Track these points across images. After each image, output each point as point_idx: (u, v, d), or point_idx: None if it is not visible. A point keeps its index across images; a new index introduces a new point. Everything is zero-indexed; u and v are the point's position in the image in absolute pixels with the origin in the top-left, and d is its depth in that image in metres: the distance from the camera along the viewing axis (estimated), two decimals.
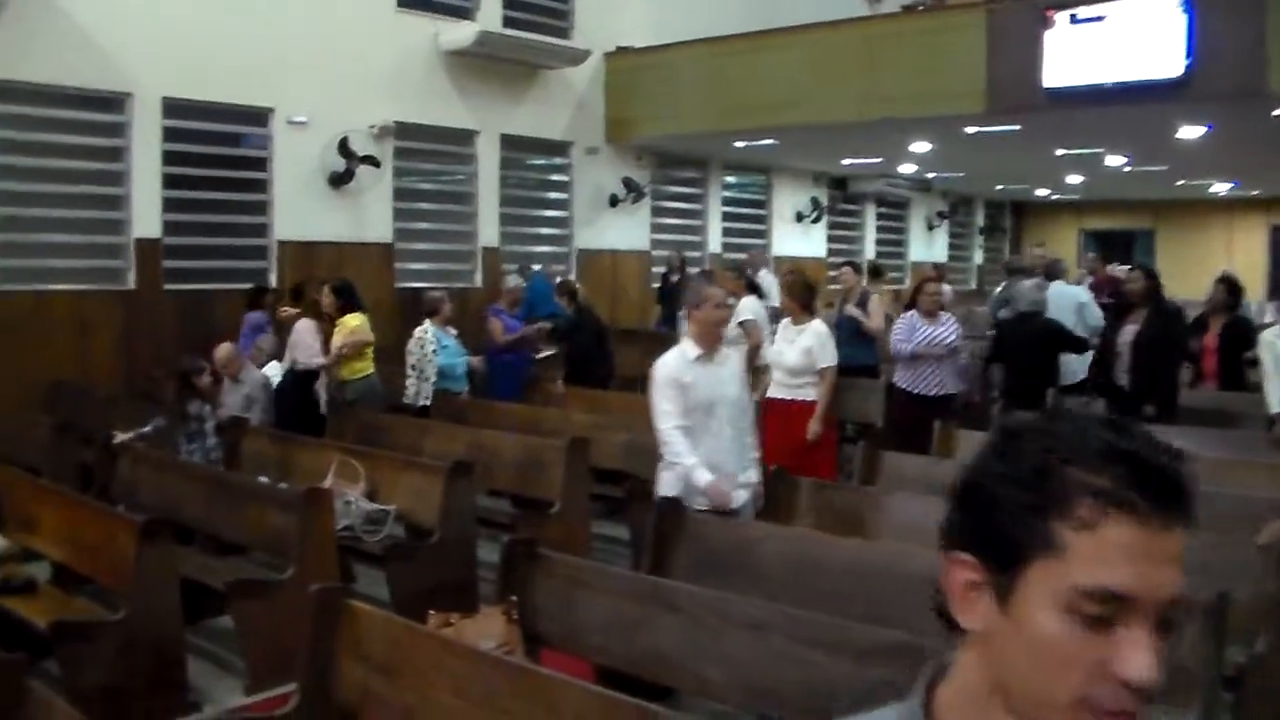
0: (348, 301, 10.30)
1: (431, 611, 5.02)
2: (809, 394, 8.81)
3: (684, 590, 4.79)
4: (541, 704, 3.67)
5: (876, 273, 16.02)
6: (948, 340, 9.95)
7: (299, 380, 10.39)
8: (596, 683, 4.36)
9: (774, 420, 8.86)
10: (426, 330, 10.92)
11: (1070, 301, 11.66)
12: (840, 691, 4.13)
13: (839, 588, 5.27)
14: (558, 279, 14.23)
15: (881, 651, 4.09)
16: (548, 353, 12.70)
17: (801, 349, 8.81)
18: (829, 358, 8.82)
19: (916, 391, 9.91)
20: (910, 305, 10.78)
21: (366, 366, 10.38)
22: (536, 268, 15.70)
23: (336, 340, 10.20)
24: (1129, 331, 9.52)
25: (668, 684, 4.87)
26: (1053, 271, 13.00)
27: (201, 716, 5.77)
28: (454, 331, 11.45)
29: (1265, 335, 8.73)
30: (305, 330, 10.39)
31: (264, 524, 6.96)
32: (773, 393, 9.03)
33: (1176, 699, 4.20)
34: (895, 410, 10.20)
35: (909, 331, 10.00)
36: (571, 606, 4.99)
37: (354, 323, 10.21)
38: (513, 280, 13.25)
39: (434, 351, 10.81)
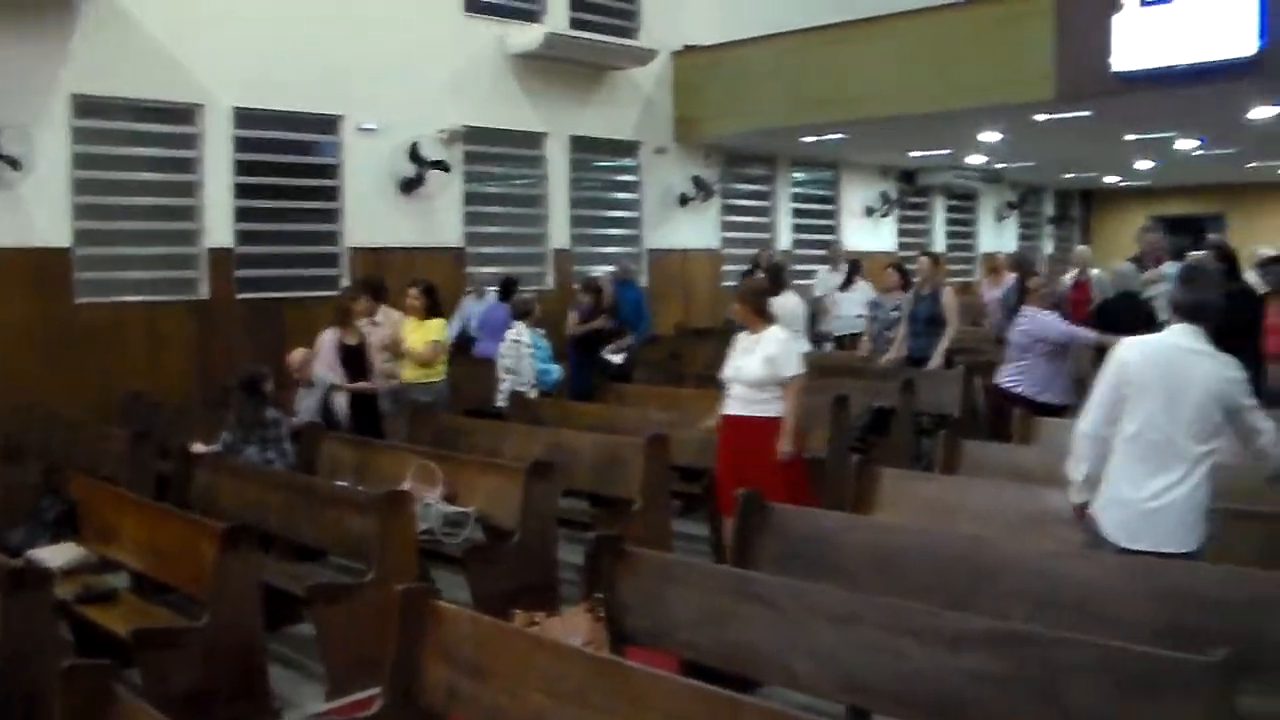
0: (434, 303, 10.35)
1: (516, 611, 4.99)
2: (772, 409, 7.78)
3: (773, 582, 4.74)
4: (633, 699, 3.62)
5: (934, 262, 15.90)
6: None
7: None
8: None
9: (729, 439, 8.04)
10: (521, 333, 10.86)
11: None
12: (932, 681, 4.07)
13: (921, 577, 5.26)
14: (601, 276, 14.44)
15: (973, 639, 4.04)
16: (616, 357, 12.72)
17: (763, 358, 7.78)
18: (794, 366, 7.82)
19: (1042, 400, 9.13)
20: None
21: (440, 371, 10.39)
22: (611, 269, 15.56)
23: (417, 342, 10.19)
24: None
25: (756, 677, 4.86)
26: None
27: None
28: (542, 332, 11.26)
29: None
30: (328, 344, 10.06)
31: (344, 528, 6.95)
32: (729, 409, 8.02)
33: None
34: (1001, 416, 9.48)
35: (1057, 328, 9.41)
36: (659, 602, 4.94)
37: (435, 330, 10.27)
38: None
39: (530, 353, 10.78)
